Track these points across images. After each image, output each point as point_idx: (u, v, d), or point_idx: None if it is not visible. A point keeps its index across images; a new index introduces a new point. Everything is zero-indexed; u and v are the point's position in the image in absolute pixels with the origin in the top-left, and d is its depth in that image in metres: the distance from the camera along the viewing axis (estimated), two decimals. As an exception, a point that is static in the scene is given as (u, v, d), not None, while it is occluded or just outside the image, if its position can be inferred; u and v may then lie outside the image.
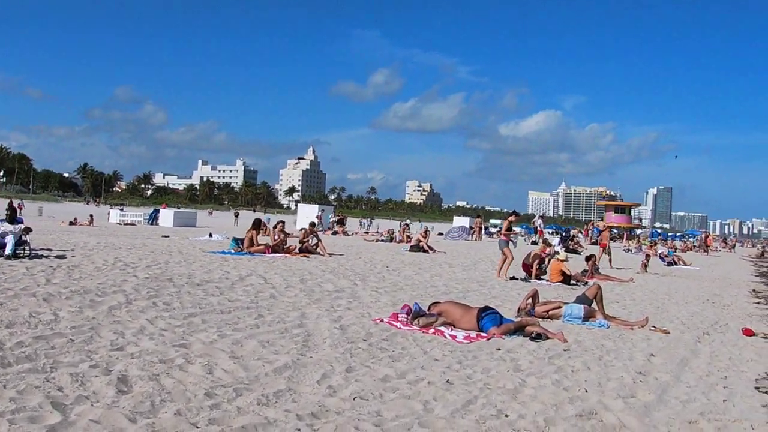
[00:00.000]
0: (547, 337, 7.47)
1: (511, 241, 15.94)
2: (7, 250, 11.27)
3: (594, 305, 9.41)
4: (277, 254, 16.27)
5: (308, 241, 17.93)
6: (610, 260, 22.28)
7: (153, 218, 37.58)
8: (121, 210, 48.49)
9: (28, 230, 12.43)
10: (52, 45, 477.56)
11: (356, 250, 21.71)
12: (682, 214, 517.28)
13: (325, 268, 13.86)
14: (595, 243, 42.32)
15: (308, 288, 10.49)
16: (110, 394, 4.30)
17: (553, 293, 12.40)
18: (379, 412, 4.44)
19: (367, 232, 40.85)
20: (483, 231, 42.83)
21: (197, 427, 3.87)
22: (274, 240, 17.36)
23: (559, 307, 9.28)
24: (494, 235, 36.65)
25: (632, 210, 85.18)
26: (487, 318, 7.65)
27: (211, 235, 23.94)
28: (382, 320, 7.90)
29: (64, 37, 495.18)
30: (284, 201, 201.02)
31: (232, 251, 16.37)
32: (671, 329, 9.14)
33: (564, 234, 38.76)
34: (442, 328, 7.53)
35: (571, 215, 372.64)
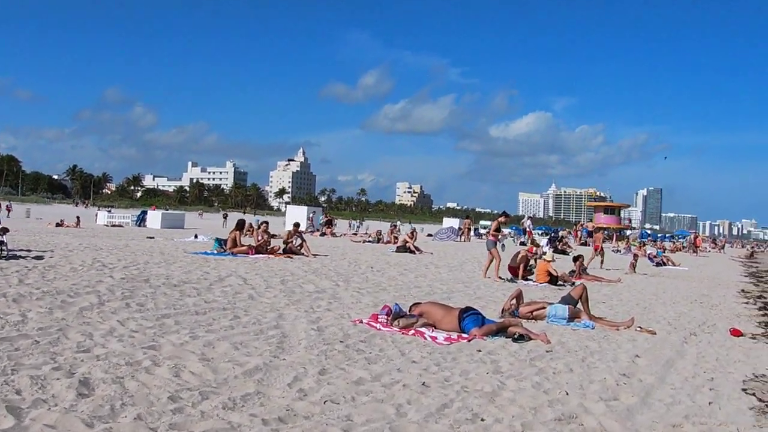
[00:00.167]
0: (530, 338, 7.31)
1: (499, 242, 15.80)
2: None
3: (579, 306, 9.27)
4: (261, 255, 16.05)
5: (292, 241, 17.73)
6: (602, 262, 22.22)
7: (141, 220, 37.20)
8: (109, 212, 48.08)
9: (5, 230, 12.19)
10: (42, 46, 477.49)
11: (342, 251, 21.48)
12: (672, 215, 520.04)
13: (308, 269, 13.64)
14: (584, 244, 42.49)
15: (288, 289, 10.27)
16: (70, 397, 4.11)
17: (539, 294, 12.27)
18: (350, 417, 4.26)
19: (355, 234, 40.57)
20: (472, 232, 42.76)
21: (156, 433, 3.68)
22: (258, 241, 17.15)
23: (544, 308, 9.13)
24: (483, 236, 36.52)
25: (621, 211, 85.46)
26: (468, 319, 7.48)
27: (196, 237, 23.69)
28: (361, 321, 7.71)
29: (54, 38, 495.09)
30: (274, 203, 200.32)
31: (215, 252, 16.13)
32: (658, 330, 9.01)
33: (553, 235, 38.66)
34: (422, 329, 7.34)
35: (561, 216, 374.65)
